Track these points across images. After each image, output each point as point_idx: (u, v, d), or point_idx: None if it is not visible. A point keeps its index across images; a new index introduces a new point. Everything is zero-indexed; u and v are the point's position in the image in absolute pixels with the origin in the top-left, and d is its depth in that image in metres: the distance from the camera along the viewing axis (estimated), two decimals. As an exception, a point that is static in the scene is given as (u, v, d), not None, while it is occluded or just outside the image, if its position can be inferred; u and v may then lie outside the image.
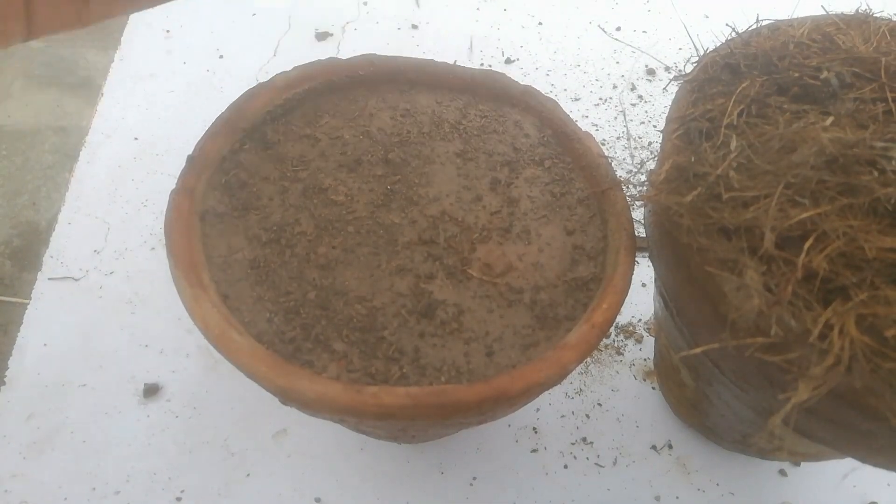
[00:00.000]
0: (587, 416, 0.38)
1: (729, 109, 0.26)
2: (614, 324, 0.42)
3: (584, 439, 0.37)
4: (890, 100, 0.25)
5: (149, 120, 0.49)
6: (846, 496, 0.36)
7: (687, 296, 0.26)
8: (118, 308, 0.40)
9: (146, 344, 0.39)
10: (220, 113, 0.29)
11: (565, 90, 0.54)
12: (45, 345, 0.39)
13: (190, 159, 0.27)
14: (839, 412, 0.22)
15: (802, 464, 0.37)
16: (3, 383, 0.37)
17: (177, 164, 0.27)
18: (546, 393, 0.24)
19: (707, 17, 0.60)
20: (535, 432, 0.37)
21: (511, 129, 0.32)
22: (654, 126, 0.52)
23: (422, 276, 0.26)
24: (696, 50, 0.30)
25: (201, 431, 0.36)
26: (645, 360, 0.40)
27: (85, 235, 0.43)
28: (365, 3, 0.58)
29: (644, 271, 0.40)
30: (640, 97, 0.55)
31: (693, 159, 0.25)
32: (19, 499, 0.33)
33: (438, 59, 0.33)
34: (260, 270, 0.25)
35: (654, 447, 0.37)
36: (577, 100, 0.54)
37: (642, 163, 0.27)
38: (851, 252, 0.22)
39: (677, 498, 0.35)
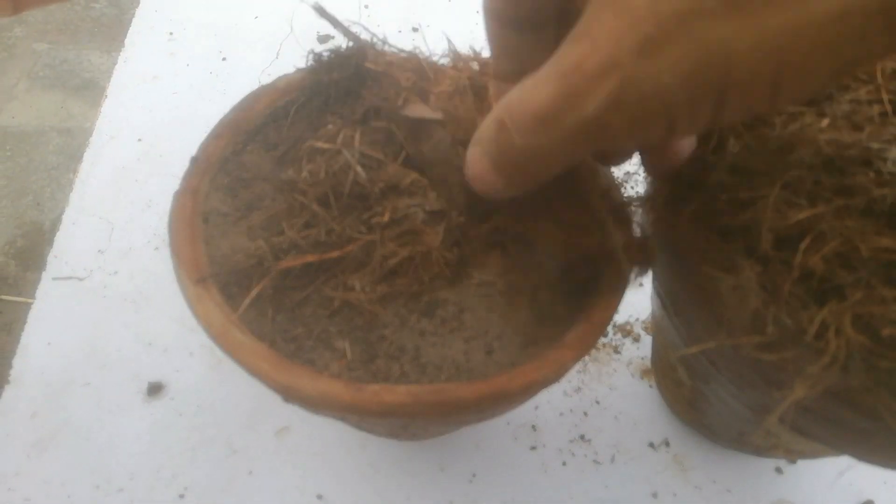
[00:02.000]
0: (585, 413, 0.38)
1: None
2: (612, 323, 0.42)
3: (583, 437, 0.37)
4: (885, 101, 0.26)
5: (152, 121, 0.50)
6: (842, 494, 0.36)
7: (684, 295, 0.27)
8: (122, 307, 0.41)
9: (150, 342, 0.39)
10: (223, 114, 0.29)
11: (565, 91, 0.54)
12: (49, 344, 0.39)
13: (193, 160, 0.27)
14: (835, 411, 0.22)
15: (799, 461, 0.37)
16: (8, 382, 0.38)
17: (180, 166, 0.27)
18: (545, 391, 0.25)
19: (707, 18, 0.60)
20: (534, 430, 0.37)
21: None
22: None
23: (424, 276, 0.26)
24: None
25: (204, 429, 0.36)
26: (642, 358, 0.41)
27: (89, 235, 0.44)
28: (366, 7, 0.59)
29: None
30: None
31: (688, 162, 0.25)
32: (23, 496, 0.34)
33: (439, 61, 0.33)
34: (262, 270, 0.26)
35: (651, 445, 0.37)
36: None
37: (640, 163, 0.27)
38: (847, 252, 0.22)
39: (674, 495, 0.36)
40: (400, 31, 0.57)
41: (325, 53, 0.29)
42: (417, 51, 0.30)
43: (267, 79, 0.30)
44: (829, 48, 0.13)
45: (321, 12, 0.27)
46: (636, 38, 0.13)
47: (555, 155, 0.16)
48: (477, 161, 0.18)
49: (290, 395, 0.22)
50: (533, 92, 0.15)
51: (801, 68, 0.13)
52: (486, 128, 0.17)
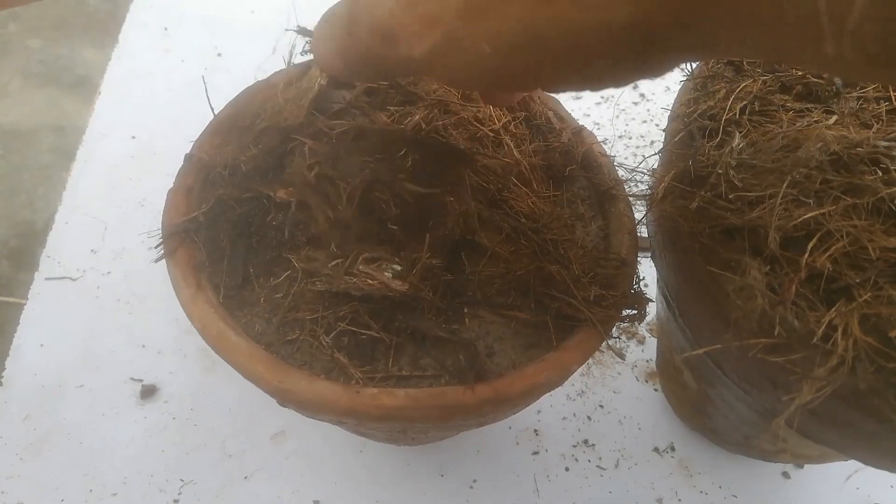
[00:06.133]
0: (589, 417, 0.38)
1: (729, 105, 0.26)
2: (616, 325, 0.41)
3: (586, 441, 0.37)
4: (893, 99, 0.25)
5: (146, 118, 0.49)
6: (849, 498, 0.36)
7: (689, 296, 0.26)
8: (115, 308, 0.40)
9: (144, 344, 0.39)
10: (218, 111, 0.28)
11: (566, 89, 0.54)
12: (41, 345, 0.38)
13: (188, 158, 0.27)
14: (843, 414, 0.22)
15: (806, 466, 0.36)
16: (0, 384, 0.37)
17: (174, 163, 0.26)
18: (547, 395, 0.24)
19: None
20: (536, 434, 0.37)
21: (512, 127, 0.32)
22: (657, 125, 0.51)
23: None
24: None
25: (199, 433, 0.36)
26: (647, 361, 0.40)
27: (82, 235, 0.43)
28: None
29: (646, 272, 0.40)
30: (642, 95, 0.54)
31: (693, 161, 0.25)
32: (16, 500, 0.33)
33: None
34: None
35: (656, 449, 0.37)
36: (578, 98, 0.53)
37: (644, 158, 0.27)
38: (855, 252, 0.21)
39: (680, 501, 0.35)
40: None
41: None
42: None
43: (263, 74, 0.30)
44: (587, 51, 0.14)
45: (304, 32, 0.27)
46: (459, 1, 0.14)
47: (389, 70, 0.17)
48: (324, 42, 0.18)
49: (285, 398, 0.22)
50: (375, 8, 0.16)
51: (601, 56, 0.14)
52: (338, 13, 0.18)
